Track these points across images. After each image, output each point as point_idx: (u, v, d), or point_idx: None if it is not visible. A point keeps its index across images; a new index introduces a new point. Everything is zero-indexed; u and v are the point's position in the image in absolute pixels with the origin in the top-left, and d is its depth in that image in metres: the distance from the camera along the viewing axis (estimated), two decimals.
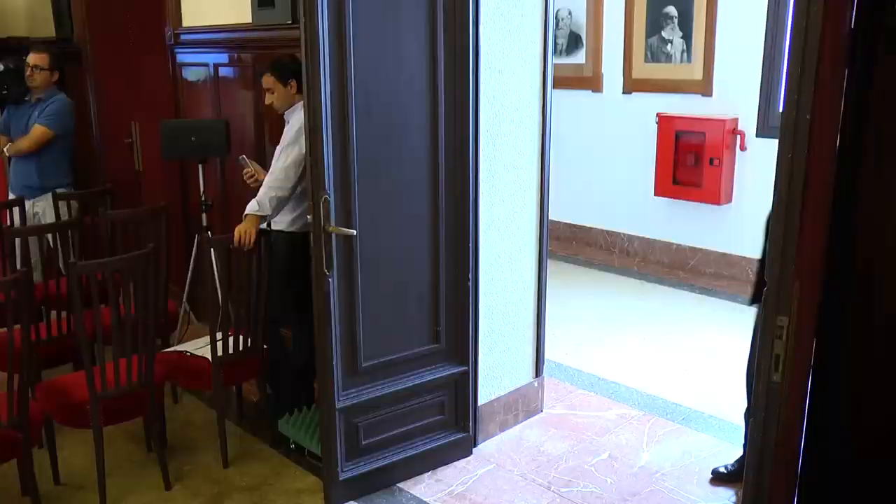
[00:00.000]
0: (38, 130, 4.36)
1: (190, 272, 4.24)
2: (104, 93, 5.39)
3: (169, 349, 3.55)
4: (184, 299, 4.25)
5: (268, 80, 3.44)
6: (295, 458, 3.40)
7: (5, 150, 4.41)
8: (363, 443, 3.09)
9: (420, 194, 3.05)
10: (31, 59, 4.37)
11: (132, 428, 3.52)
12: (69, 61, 5.02)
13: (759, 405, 1.63)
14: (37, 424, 2.98)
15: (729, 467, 3.25)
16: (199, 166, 4.14)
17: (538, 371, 3.74)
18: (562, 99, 4.01)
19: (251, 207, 3.38)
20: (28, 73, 4.35)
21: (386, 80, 2.87)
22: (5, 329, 2.81)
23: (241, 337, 3.35)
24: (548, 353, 3.84)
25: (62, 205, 4.23)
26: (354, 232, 2.85)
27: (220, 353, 3.26)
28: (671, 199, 5.99)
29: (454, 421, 3.36)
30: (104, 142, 5.40)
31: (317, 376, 3.04)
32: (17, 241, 3.83)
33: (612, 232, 6.51)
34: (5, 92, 4.35)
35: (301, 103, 3.37)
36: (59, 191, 4.37)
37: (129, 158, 5.36)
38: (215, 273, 3.81)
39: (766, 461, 1.64)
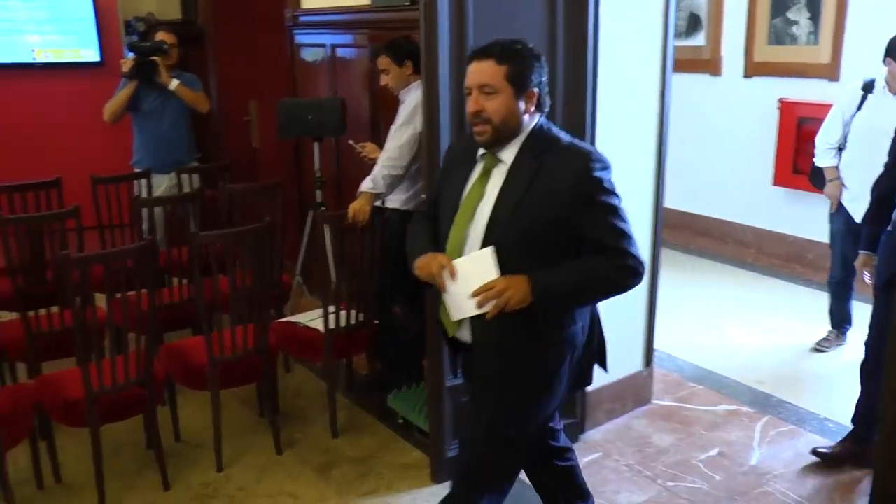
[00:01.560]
0: (205, 95, 4.65)
1: (303, 246, 4.37)
2: (224, 73, 5.60)
3: (282, 320, 3.67)
4: (297, 272, 4.38)
5: (383, 62, 3.49)
6: (402, 433, 3.46)
7: (173, 87, 4.55)
8: None
9: None
10: (163, 37, 4.56)
11: (245, 393, 3.67)
12: (193, 42, 5.23)
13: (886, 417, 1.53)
14: (160, 383, 3.14)
15: (829, 449, 3.16)
16: (315, 144, 4.24)
17: (648, 361, 3.67)
18: (678, 82, 3.89)
19: (365, 185, 3.45)
20: (167, 50, 4.52)
21: None
22: (134, 293, 2.96)
23: (352, 311, 3.42)
24: (657, 343, 3.76)
25: (184, 178, 4.44)
26: None
27: (332, 325, 3.35)
28: (790, 189, 5.73)
29: (561, 407, 3.33)
30: (223, 120, 5.61)
31: (426, 354, 3.07)
32: (144, 211, 4.05)
33: (727, 221, 6.28)
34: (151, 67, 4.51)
35: (416, 83, 3.42)
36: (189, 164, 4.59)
37: (246, 136, 5.55)
38: (328, 248, 3.92)
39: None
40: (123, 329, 3.49)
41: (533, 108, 2.12)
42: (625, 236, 2.07)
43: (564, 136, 2.16)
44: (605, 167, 2.08)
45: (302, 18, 4.78)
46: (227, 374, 3.16)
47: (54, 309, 3.47)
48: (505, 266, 2.05)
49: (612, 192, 2.08)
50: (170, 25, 5.00)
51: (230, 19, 5.53)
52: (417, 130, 3.39)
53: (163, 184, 4.56)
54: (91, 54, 5.88)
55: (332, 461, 3.28)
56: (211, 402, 3.14)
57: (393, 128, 3.52)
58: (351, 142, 3.82)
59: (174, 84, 4.51)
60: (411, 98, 3.46)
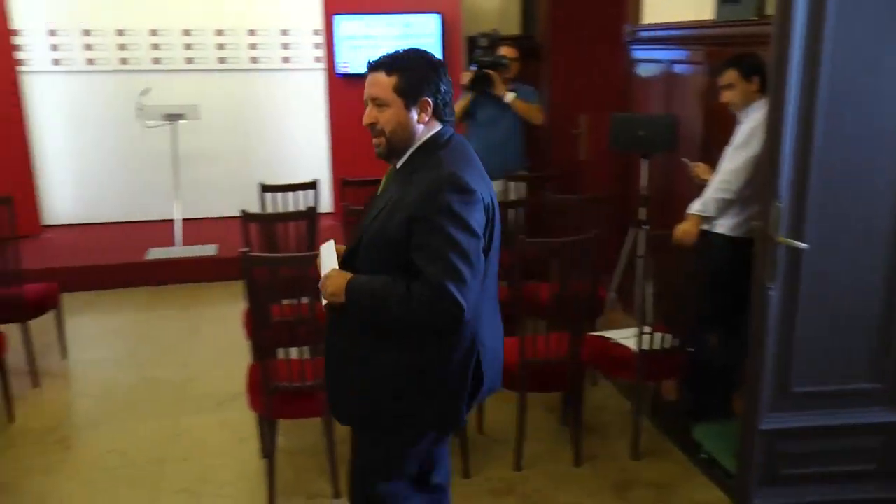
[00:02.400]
0: (540, 108, 4.84)
1: (621, 263, 4.35)
2: (558, 86, 5.75)
3: (595, 333, 3.69)
4: (612, 288, 4.37)
5: (730, 76, 3.34)
6: (704, 468, 3.31)
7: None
8: (782, 472, 2.88)
9: (885, 211, 2.71)
10: (505, 51, 4.83)
11: (551, 400, 3.76)
12: (531, 56, 5.44)
13: None
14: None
15: None
16: (643, 160, 4.20)
17: None
18: None
19: (695, 207, 3.35)
20: (506, 64, 4.79)
21: (859, 85, 2.59)
22: None
23: (666, 335, 3.34)
24: None
25: (512, 185, 4.66)
26: (805, 246, 2.63)
27: (644, 346, 3.30)
28: None
29: (888, 475, 2.96)
30: (553, 131, 5.77)
31: (740, 389, 2.90)
32: None
33: None
34: (488, 78, 4.81)
35: (758, 103, 3.24)
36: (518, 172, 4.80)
37: (574, 148, 5.66)
38: (646, 268, 3.86)
39: None
40: None
41: (427, 118, 2.05)
42: (448, 270, 1.88)
43: (447, 152, 2.03)
44: (462, 192, 1.92)
45: (641, 34, 4.76)
46: (536, 378, 3.25)
47: None
48: (361, 269, 2.05)
49: (455, 220, 1.90)
50: (512, 40, 5.27)
51: (568, 34, 5.67)
52: (754, 153, 3.21)
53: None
54: None
55: (630, 482, 3.24)
56: (518, 402, 3.26)
57: (728, 149, 3.37)
58: (685, 159, 3.74)
59: (510, 96, 4.74)
60: (752, 119, 3.29)
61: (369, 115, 2.08)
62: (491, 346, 2.16)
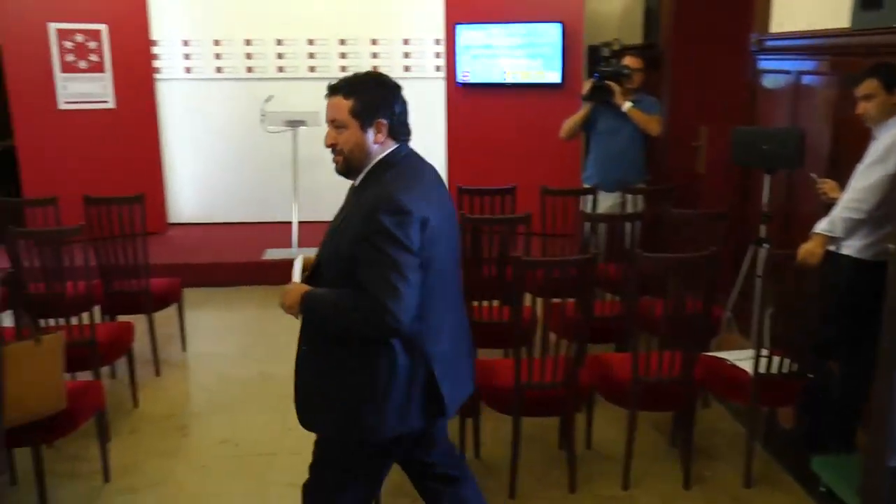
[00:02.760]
0: (658, 119, 4.71)
1: (739, 282, 4.19)
2: (678, 96, 5.63)
3: (709, 353, 3.57)
4: (728, 308, 4.22)
5: (870, 85, 3.14)
6: (822, 501, 3.14)
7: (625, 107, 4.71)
8: None
9: None
10: (631, 62, 4.75)
11: (660, 419, 3.67)
12: (652, 66, 5.35)
13: None
14: (583, 391, 3.28)
15: None
16: (766, 175, 4.04)
17: None
18: None
19: (821, 227, 3.19)
20: (628, 74, 4.72)
21: None
22: (566, 300, 3.13)
23: (785, 359, 3.19)
24: None
25: (629, 198, 4.57)
26: None
27: (761, 370, 3.17)
28: None
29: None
30: (671, 143, 5.64)
31: (864, 421, 2.74)
32: (587, 225, 4.25)
33: None
34: (607, 89, 4.76)
35: None
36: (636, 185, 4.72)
37: (692, 161, 5.52)
38: (764, 288, 3.70)
39: None
40: (548, 332, 3.72)
41: (383, 138, 2.18)
42: (385, 287, 2.01)
43: (394, 173, 2.15)
44: (396, 213, 2.03)
45: (768, 43, 4.59)
46: (647, 396, 3.18)
47: (495, 302, 3.84)
48: (323, 283, 2.20)
49: (391, 240, 2.03)
50: (637, 50, 5.19)
51: (691, 43, 5.54)
52: (889, 172, 3.03)
53: (608, 201, 4.74)
54: (554, 76, 6.39)
55: None
56: (628, 419, 3.19)
57: (860, 166, 3.19)
58: (813, 175, 3.57)
59: (627, 106, 4.66)
60: (890, 134, 3.09)
61: (329, 136, 2.20)
62: (448, 358, 2.24)
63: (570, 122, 4.92)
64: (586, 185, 4.81)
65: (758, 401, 3.23)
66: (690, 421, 3.29)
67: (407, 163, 2.22)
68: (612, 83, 4.68)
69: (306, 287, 2.20)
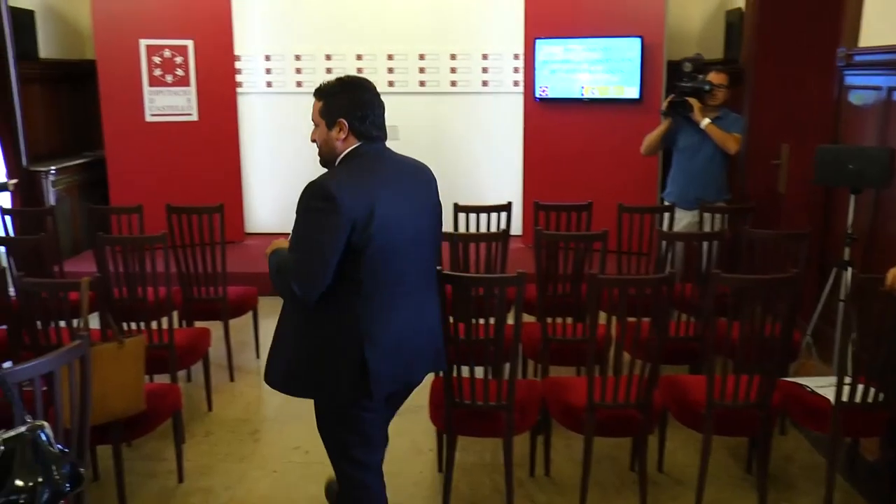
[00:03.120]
0: (739, 137, 4.59)
1: (820, 306, 4.05)
2: (759, 113, 5.46)
3: (789, 379, 3.45)
4: (808, 332, 4.08)
5: None
6: None
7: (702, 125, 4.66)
8: None
9: None
10: (714, 77, 4.64)
11: (736, 445, 3.57)
12: (735, 82, 5.22)
13: None
14: (656, 412, 3.20)
15: None
16: (851, 196, 3.90)
17: None
18: None
19: None
20: (710, 90, 4.62)
21: None
22: (640, 319, 3.08)
23: (869, 387, 3.06)
24: None
25: (707, 216, 4.46)
26: None
27: (844, 398, 3.04)
28: None
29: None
30: (750, 160, 5.48)
31: None
32: (664, 243, 4.18)
33: None
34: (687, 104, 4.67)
35: None
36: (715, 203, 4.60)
37: (772, 179, 5.36)
38: (850, 312, 3.57)
39: None
40: (622, 351, 3.65)
41: (344, 136, 2.42)
42: (296, 260, 2.34)
43: (344, 167, 2.42)
44: (321, 198, 2.28)
45: (857, 58, 4.43)
46: (722, 420, 3.09)
47: (568, 319, 3.81)
48: None
49: (306, 213, 2.32)
50: (723, 65, 5.09)
51: (773, 58, 5.38)
52: None
53: (686, 219, 4.65)
54: (632, 91, 6.31)
55: None
56: (702, 444, 3.10)
57: None
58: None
59: (705, 123, 4.57)
60: None
61: (312, 133, 2.52)
62: (393, 340, 2.43)
63: (649, 138, 4.86)
64: (666, 202, 4.73)
65: (840, 430, 3.10)
66: (767, 448, 3.18)
67: (361, 159, 2.43)
68: (691, 99, 4.60)
69: (282, 244, 2.52)
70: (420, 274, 2.54)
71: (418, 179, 2.60)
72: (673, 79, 6.25)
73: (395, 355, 2.45)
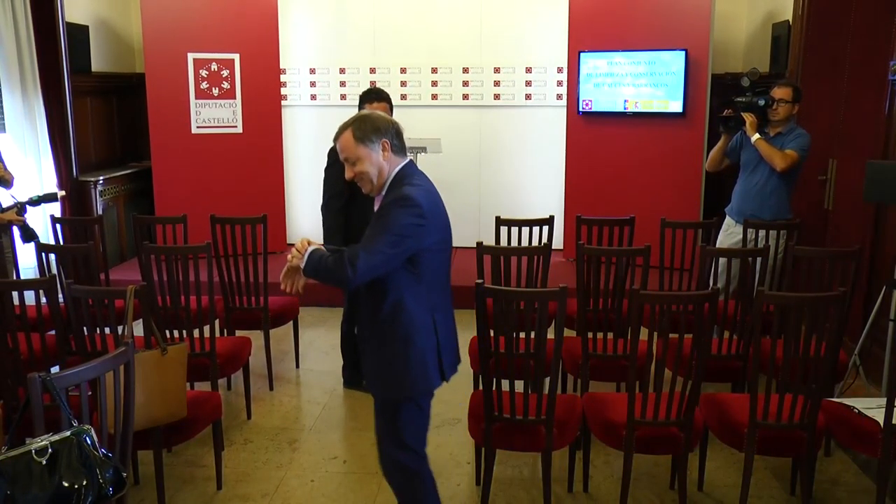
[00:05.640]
0: (792, 153, 4.45)
1: (868, 325, 3.95)
2: (805, 127, 5.38)
3: (835, 399, 3.37)
4: (855, 352, 3.98)
5: None
6: None
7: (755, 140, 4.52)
8: None
9: None
10: (776, 92, 4.55)
11: (779, 465, 3.49)
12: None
13: None
14: (698, 430, 3.16)
15: None
16: None
17: None
18: None
19: None
20: (773, 106, 4.55)
21: None
22: (681, 336, 3.04)
23: None
24: None
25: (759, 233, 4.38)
26: None
27: (894, 421, 2.95)
28: None
29: None
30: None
31: None
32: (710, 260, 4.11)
33: None
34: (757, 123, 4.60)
35: None
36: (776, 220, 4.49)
37: (818, 195, 5.27)
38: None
39: None
40: (663, 368, 3.60)
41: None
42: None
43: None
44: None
45: None
46: (765, 440, 3.02)
47: (609, 335, 3.77)
48: None
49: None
50: (788, 80, 5.02)
51: (820, 72, 5.31)
52: None
53: (737, 235, 4.56)
54: (676, 105, 6.25)
55: None
56: (744, 464, 3.04)
57: None
58: None
59: (754, 138, 4.49)
60: None
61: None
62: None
63: (712, 153, 4.83)
64: (727, 217, 4.69)
65: (890, 454, 3.01)
66: (811, 470, 3.11)
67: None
68: (747, 114, 4.53)
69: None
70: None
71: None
72: (717, 93, 6.19)
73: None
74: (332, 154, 3.67)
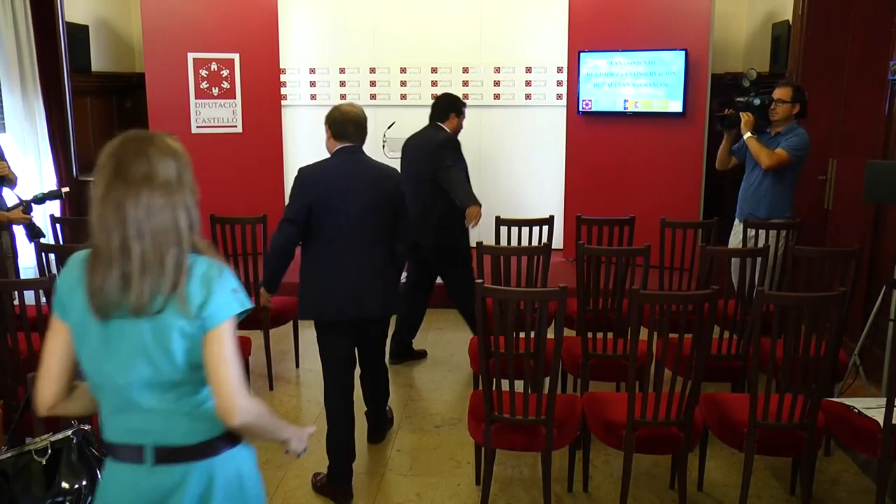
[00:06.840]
0: (780, 152, 4.44)
1: (868, 325, 3.95)
2: (805, 127, 5.39)
3: (835, 399, 3.38)
4: (855, 352, 3.98)
5: None
6: None
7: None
8: None
9: None
10: (776, 93, 4.55)
11: (778, 465, 3.49)
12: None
13: None
14: (698, 430, 3.16)
15: None
16: None
17: None
18: None
19: None
20: (772, 106, 4.55)
21: None
22: (680, 335, 3.04)
23: None
24: None
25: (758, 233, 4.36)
26: None
27: (894, 420, 2.96)
28: None
29: None
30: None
31: None
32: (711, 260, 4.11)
33: None
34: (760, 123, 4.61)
35: None
36: (774, 220, 4.47)
37: (818, 195, 5.27)
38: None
39: None
40: (663, 368, 3.60)
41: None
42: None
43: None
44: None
45: None
46: (765, 440, 3.02)
47: (609, 335, 3.77)
48: None
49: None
50: (788, 80, 5.02)
51: (821, 71, 5.31)
52: None
53: (740, 234, 4.57)
54: (676, 105, 6.25)
55: None
56: (744, 464, 3.04)
57: None
58: None
59: (745, 136, 4.50)
60: None
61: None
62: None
63: (719, 152, 4.85)
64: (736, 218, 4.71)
65: (889, 454, 3.01)
66: (811, 469, 3.11)
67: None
68: (744, 113, 4.53)
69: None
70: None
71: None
72: (717, 93, 6.20)
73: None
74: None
